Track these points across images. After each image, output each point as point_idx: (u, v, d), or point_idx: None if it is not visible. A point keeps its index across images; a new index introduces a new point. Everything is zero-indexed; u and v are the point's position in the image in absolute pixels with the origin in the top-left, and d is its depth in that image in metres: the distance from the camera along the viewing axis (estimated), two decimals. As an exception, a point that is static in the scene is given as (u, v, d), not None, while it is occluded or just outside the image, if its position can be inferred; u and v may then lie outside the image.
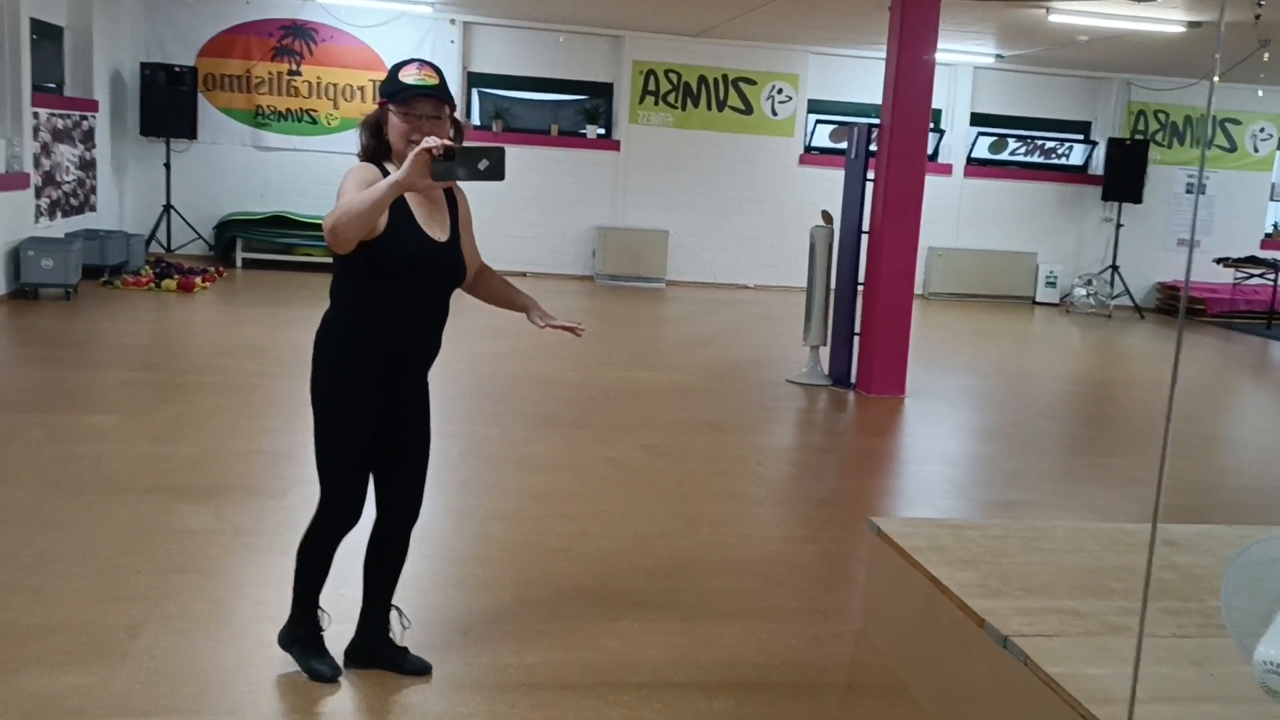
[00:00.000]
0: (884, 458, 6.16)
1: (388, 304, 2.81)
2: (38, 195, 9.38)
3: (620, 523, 4.49)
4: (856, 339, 7.59)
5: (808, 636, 3.54)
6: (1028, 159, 13.79)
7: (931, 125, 10.77)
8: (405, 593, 3.24)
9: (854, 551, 4.32)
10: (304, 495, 4.56)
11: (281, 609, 3.34)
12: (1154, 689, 2.39)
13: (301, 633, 3.05)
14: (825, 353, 7.82)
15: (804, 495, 5.25)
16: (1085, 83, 13.70)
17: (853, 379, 7.59)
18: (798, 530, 4.67)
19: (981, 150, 13.60)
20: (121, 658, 3.06)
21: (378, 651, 3.10)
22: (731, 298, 12.26)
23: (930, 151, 12.91)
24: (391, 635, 3.13)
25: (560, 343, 8.75)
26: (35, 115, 9.27)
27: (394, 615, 3.14)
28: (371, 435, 2.91)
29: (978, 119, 13.55)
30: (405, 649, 3.13)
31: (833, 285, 7.80)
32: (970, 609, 2.84)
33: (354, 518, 2.96)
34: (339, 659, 3.08)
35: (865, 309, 7.51)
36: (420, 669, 3.09)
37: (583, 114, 12.84)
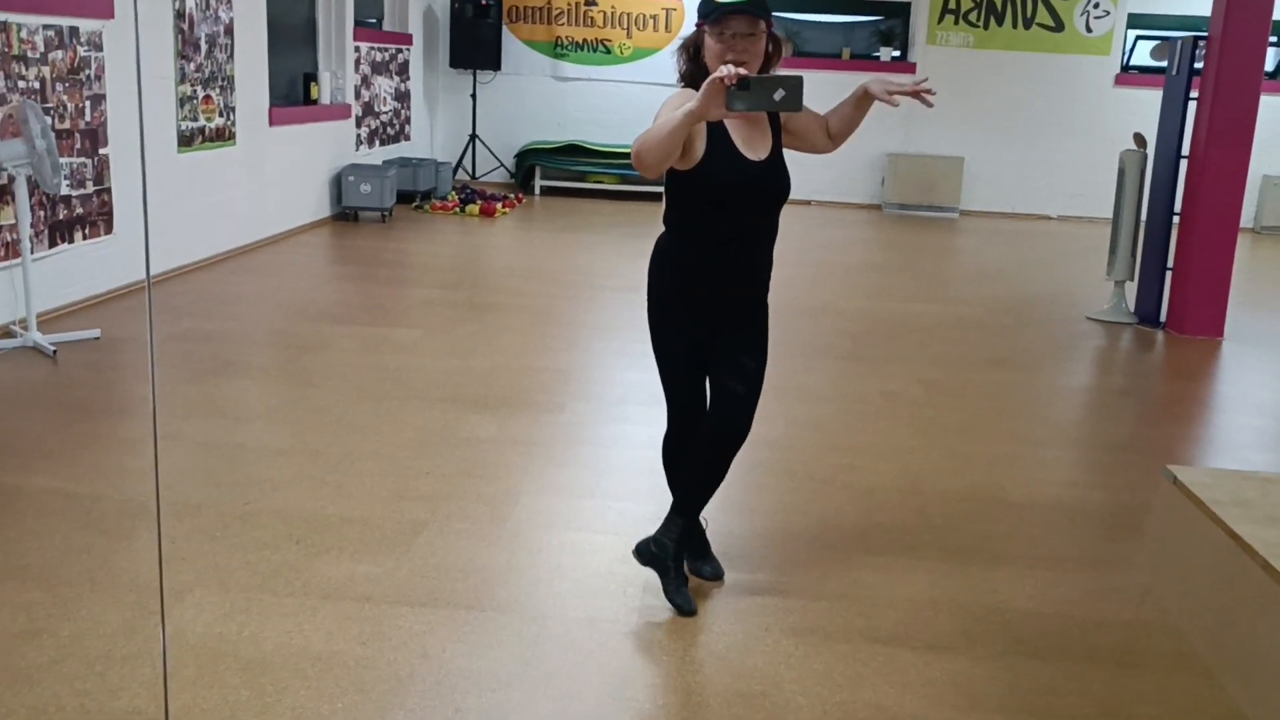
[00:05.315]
0: (1192, 404, 5.64)
1: (710, 227, 2.85)
2: (358, 125, 10.14)
3: (891, 457, 4.37)
4: (1169, 274, 6.96)
5: (1086, 589, 3.32)
6: (1394, 74, 12.06)
7: (1273, 38, 9.62)
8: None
9: (1148, 502, 4.00)
10: (578, 412, 4.76)
11: (555, 516, 3.50)
12: None
13: (669, 542, 3.07)
14: (1132, 288, 7.23)
15: (1096, 440, 4.90)
16: None
17: (1162, 318, 6.97)
18: (1086, 476, 4.37)
19: (1336, 66, 12.03)
20: (405, 552, 3.30)
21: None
22: (1032, 229, 11.55)
23: (1270, 69, 11.57)
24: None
25: (839, 272, 8.59)
26: (356, 50, 9.98)
27: None
28: (696, 351, 2.94)
29: (1333, 30, 11.97)
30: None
31: (1144, 215, 7.18)
32: (1276, 570, 2.55)
33: (688, 422, 3.02)
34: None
35: (1181, 242, 6.85)
36: None
37: (877, 36, 12.37)
